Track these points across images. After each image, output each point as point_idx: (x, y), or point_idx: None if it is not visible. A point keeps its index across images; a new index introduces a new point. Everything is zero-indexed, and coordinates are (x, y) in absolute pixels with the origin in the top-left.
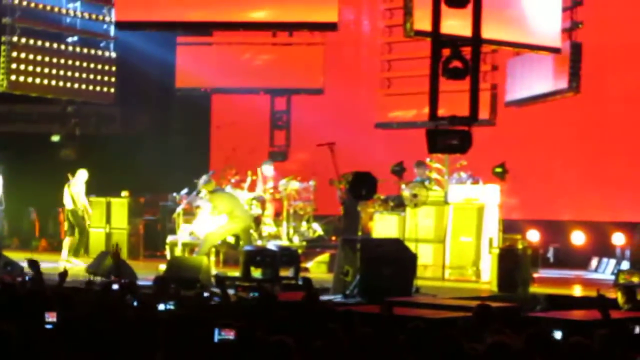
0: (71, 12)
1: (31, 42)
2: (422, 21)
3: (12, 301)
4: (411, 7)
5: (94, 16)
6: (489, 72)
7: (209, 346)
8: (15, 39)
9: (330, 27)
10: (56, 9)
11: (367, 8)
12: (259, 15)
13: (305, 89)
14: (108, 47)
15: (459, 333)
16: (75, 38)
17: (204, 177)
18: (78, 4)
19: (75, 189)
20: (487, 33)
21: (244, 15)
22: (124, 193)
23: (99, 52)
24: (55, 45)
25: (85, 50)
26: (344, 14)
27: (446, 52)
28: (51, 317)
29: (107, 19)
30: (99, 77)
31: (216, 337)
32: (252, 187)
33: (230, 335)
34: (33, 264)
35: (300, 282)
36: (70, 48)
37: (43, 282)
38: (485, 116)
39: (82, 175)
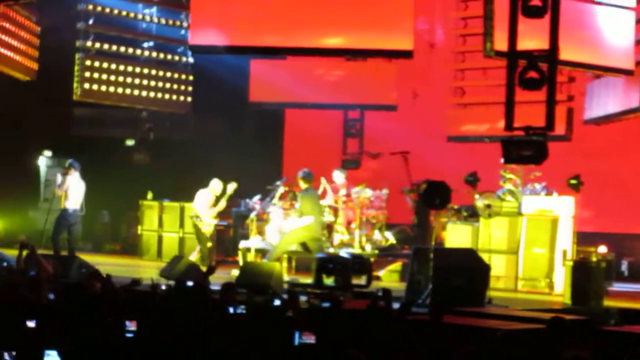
0: (147, 18)
1: (105, 46)
2: (503, 42)
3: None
4: (491, 27)
5: (170, 22)
6: (565, 84)
7: (289, 349)
8: (89, 43)
9: (406, 54)
10: (132, 15)
11: (440, 17)
12: (334, 41)
13: (378, 105)
14: (185, 53)
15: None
16: (151, 43)
17: (304, 170)
18: (154, 9)
19: (199, 197)
20: (561, 54)
21: (319, 41)
22: None
23: (176, 58)
24: (130, 50)
25: (161, 56)
26: (418, 23)
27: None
28: (132, 326)
29: (184, 24)
30: (175, 86)
31: (296, 341)
32: (324, 195)
33: (310, 339)
34: (136, 283)
35: (380, 293)
36: (147, 53)
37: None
38: (561, 132)
39: (211, 185)
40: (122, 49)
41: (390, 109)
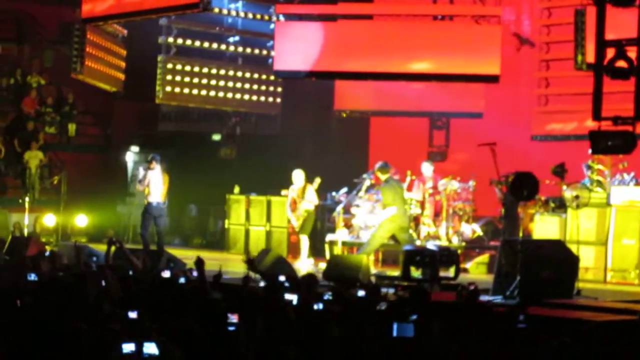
0: (233, 12)
1: (188, 42)
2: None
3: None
4: (582, 39)
5: (258, 16)
6: None
7: (386, 341)
8: (171, 39)
9: (492, 79)
10: (216, 10)
11: (527, 7)
12: (420, 66)
13: (464, 112)
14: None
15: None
16: (237, 38)
17: (380, 162)
18: (240, 3)
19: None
20: None
21: (405, 66)
22: (284, 192)
23: (264, 52)
24: (215, 46)
25: (248, 50)
26: (504, 14)
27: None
28: (234, 319)
29: (273, 18)
30: (263, 87)
31: (395, 332)
32: (410, 187)
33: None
34: (199, 263)
35: (472, 288)
36: (232, 48)
37: (205, 282)
38: None
39: (294, 177)
40: (206, 44)
41: (476, 117)
